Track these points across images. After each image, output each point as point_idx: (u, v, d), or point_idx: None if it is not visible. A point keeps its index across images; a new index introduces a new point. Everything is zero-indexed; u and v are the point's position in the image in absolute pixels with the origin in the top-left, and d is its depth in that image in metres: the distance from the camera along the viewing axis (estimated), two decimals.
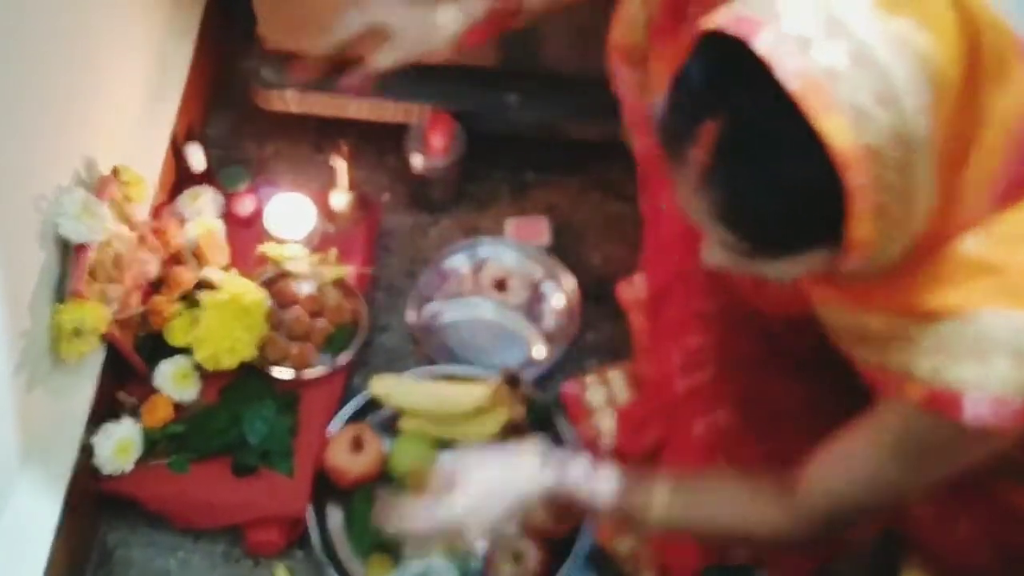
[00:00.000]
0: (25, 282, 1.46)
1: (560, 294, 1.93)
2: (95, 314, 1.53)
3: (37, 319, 1.50)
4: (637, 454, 1.66)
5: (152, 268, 1.74)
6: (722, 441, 1.48)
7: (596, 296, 1.94)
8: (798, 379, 1.51)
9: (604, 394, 1.80)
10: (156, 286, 1.76)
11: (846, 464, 1.16)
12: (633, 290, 1.87)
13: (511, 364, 1.83)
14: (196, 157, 1.86)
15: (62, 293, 1.54)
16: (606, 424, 1.77)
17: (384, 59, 1.49)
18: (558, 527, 1.65)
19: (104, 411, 1.66)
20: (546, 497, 1.30)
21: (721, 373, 1.54)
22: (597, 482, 1.28)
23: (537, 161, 2.08)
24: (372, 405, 1.78)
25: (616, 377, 1.81)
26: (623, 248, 1.98)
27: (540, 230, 2.00)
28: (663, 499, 1.26)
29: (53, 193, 1.51)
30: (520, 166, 2.08)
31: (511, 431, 1.74)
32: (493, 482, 1.31)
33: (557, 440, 1.76)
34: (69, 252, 1.54)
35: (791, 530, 1.22)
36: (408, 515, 1.32)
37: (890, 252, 0.98)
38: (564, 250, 1.98)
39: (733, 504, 1.26)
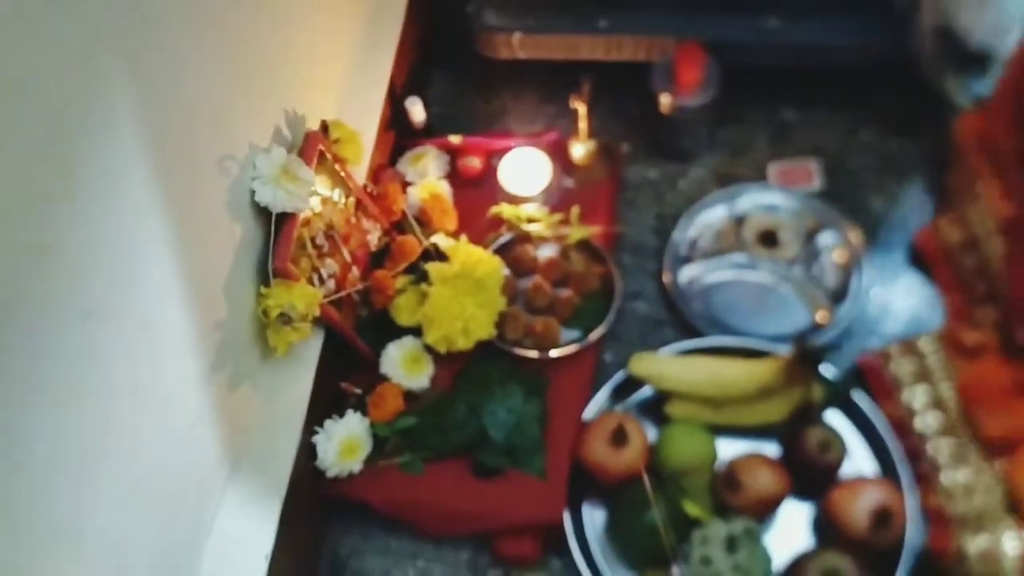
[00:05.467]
0: (216, 263, 0.94)
1: (841, 247, 1.28)
2: (305, 296, 1.00)
3: (236, 306, 0.98)
4: None
5: (374, 238, 1.20)
6: None
7: (885, 247, 1.28)
8: None
9: (914, 366, 1.15)
10: (377, 259, 1.21)
11: None
12: (939, 237, 1.21)
13: (792, 331, 1.21)
14: (417, 112, 1.31)
15: (266, 274, 1.01)
16: (919, 401, 1.13)
17: None
18: (878, 536, 1.03)
19: (325, 406, 1.12)
20: None
21: None
22: None
23: (798, 96, 1.42)
24: (628, 385, 1.19)
25: (928, 345, 1.16)
26: (912, 190, 1.32)
27: (808, 174, 1.35)
28: None
29: (246, 154, 0.98)
30: (778, 104, 1.43)
31: (802, 413, 1.13)
32: None
33: (858, 420, 1.14)
34: (271, 225, 1.02)
35: None
36: None
37: None
38: (838, 196, 1.32)
39: None
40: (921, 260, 1.24)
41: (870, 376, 1.16)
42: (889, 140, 1.37)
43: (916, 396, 1.13)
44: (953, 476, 1.04)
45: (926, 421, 1.10)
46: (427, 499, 1.11)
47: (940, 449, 1.07)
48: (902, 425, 1.12)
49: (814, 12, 1.29)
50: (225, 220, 0.95)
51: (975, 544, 0.98)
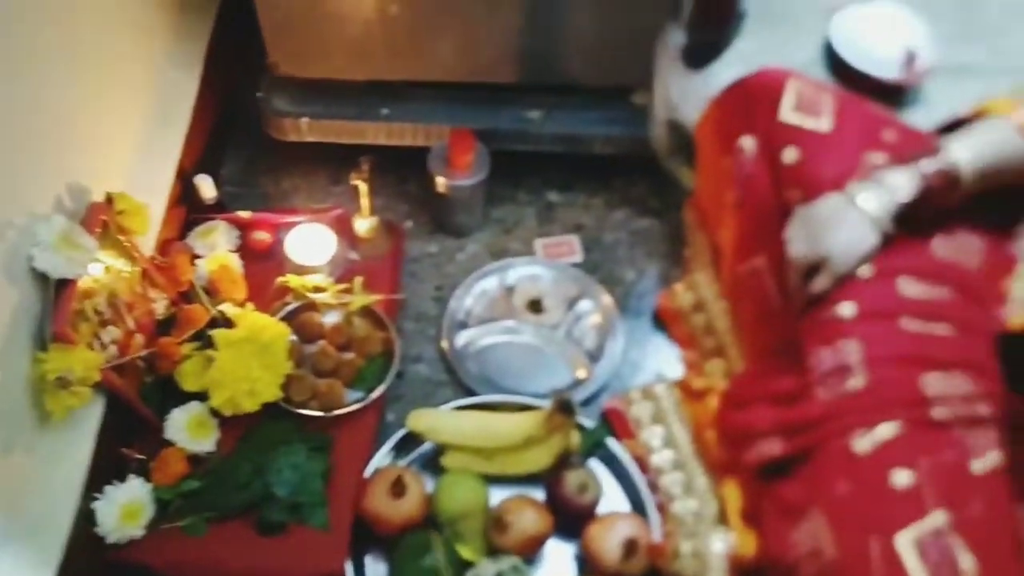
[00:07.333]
0: None
1: (598, 312, 1.39)
2: (85, 360, 0.99)
3: (12, 370, 0.95)
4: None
5: (159, 307, 1.20)
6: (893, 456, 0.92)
7: (636, 312, 1.40)
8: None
9: (651, 409, 1.26)
10: (165, 327, 1.21)
11: None
12: (675, 301, 1.34)
13: (555, 387, 1.29)
14: (206, 188, 1.32)
15: (44, 339, 0.99)
16: (656, 440, 1.23)
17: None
18: (628, 565, 1.10)
19: (106, 471, 1.10)
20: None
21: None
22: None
23: (561, 181, 1.54)
24: (409, 442, 1.23)
25: (663, 391, 1.28)
26: (655, 262, 1.45)
27: (571, 248, 1.46)
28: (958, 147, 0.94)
29: (26, 221, 0.97)
30: (544, 187, 1.54)
31: (564, 460, 1.20)
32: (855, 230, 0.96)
33: (613, 464, 1.23)
34: (50, 291, 1.00)
35: None
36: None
37: None
38: (596, 268, 1.44)
39: None
40: (662, 321, 1.37)
41: (615, 419, 1.26)
42: (638, 219, 1.51)
43: (654, 435, 1.23)
44: (684, 505, 1.15)
45: (662, 457, 1.20)
46: (211, 560, 1.10)
47: (673, 482, 1.17)
48: (641, 462, 1.22)
49: (569, 106, 1.42)
50: (1, 284, 0.93)
51: (687, 545, 1.08)
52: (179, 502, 1.11)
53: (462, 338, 1.36)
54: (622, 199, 1.53)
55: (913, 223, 0.97)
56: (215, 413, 1.17)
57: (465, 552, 1.13)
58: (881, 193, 0.95)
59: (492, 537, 1.13)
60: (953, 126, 1.01)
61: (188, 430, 1.15)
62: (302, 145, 1.47)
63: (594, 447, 1.23)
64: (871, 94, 1.15)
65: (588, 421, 1.25)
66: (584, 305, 1.39)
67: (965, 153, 0.95)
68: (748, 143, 1.09)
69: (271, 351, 1.17)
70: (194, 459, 1.15)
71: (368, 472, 1.19)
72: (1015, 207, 1.01)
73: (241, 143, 1.57)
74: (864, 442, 0.88)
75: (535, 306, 1.38)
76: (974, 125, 0.98)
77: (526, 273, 1.42)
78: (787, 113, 1.05)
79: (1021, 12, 1.37)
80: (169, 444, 1.14)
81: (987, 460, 0.86)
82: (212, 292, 1.26)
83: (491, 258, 1.46)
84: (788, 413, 0.98)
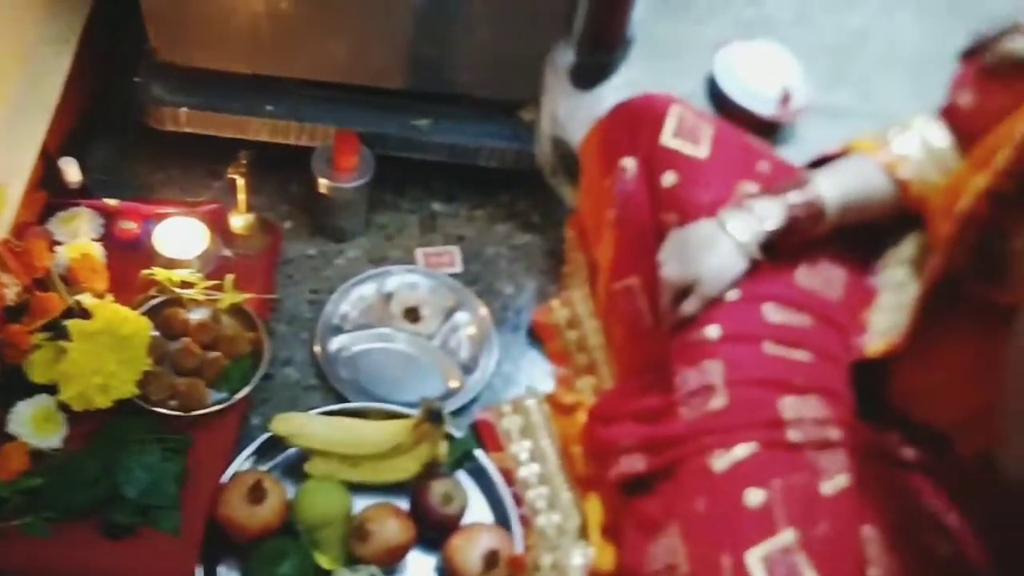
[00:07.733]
0: None
1: (474, 324, 1.37)
2: None
3: None
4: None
5: (10, 293, 1.12)
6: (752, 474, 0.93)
7: (512, 326, 1.40)
8: None
9: (521, 423, 1.26)
10: (16, 314, 1.13)
11: None
12: (551, 316, 1.35)
13: (428, 397, 1.27)
14: (72, 172, 1.25)
15: None
16: (524, 454, 1.23)
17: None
18: None
19: None
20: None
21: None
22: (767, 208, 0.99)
23: (445, 191, 1.52)
24: (274, 447, 1.19)
25: (534, 405, 1.27)
26: (534, 278, 1.45)
27: (451, 259, 1.45)
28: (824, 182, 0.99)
29: None
30: (428, 196, 1.52)
31: (431, 469, 1.18)
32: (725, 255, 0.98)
33: (480, 476, 1.21)
34: None
35: None
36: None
37: None
38: (475, 280, 1.43)
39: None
40: (537, 336, 1.37)
41: (485, 431, 1.25)
42: (520, 234, 1.50)
43: (522, 449, 1.23)
44: (547, 519, 1.15)
45: (529, 471, 1.20)
46: (49, 562, 1.03)
47: (538, 496, 1.17)
48: (508, 475, 1.21)
49: (457, 116, 1.41)
50: None
51: (548, 558, 1.08)
52: (18, 500, 1.04)
53: (335, 343, 1.32)
54: (505, 213, 1.52)
55: (780, 252, 1.00)
56: (65, 408, 1.10)
57: (323, 561, 1.09)
58: (750, 221, 0.98)
59: (352, 546, 1.10)
60: (821, 162, 1.06)
61: (33, 424, 1.08)
62: (180, 136, 1.41)
63: (462, 458, 1.21)
64: (748, 127, 1.19)
65: (457, 432, 1.23)
66: (461, 316, 1.37)
67: (830, 188, 0.99)
68: (630, 164, 1.11)
69: (129, 345, 1.11)
70: (38, 455, 1.08)
71: (227, 476, 1.14)
72: (876, 242, 1.06)
73: (114, 129, 1.49)
74: (722, 461, 0.90)
75: (412, 314, 1.36)
76: (840, 162, 1.03)
77: (405, 281, 1.39)
78: (668, 138, 1.07)
79: (888, 62, 1.46)
80: (11, 438, 1.07)
81: (835, 482, 0.89)
82: (71, 281, 1.19)
83: (370, 264, 1.42)
84: (652, 430, 0.99)
